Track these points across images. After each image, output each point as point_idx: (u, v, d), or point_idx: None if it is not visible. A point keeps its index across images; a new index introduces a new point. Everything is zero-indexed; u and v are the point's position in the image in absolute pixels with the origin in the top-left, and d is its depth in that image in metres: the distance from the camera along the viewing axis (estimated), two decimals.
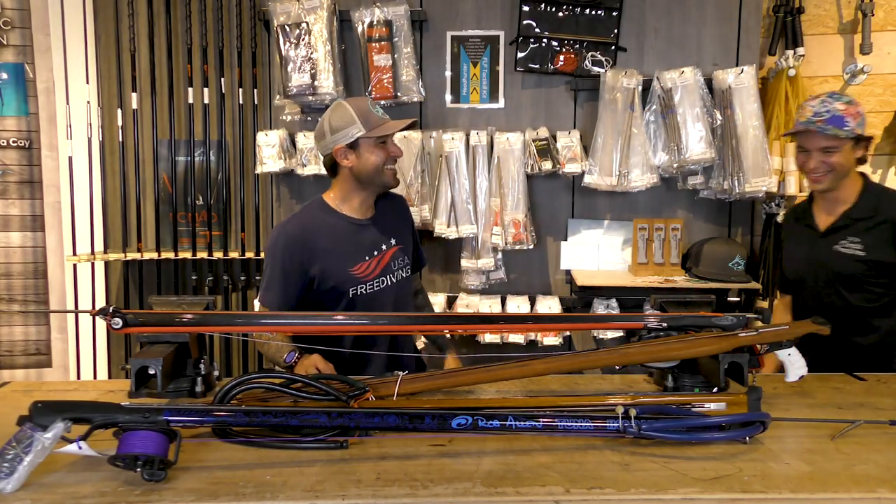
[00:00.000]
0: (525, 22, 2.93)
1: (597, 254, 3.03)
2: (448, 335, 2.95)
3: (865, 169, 2.15)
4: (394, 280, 2.01)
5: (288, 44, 2.82)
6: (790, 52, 2.91)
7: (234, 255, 3.22)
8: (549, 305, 2.92)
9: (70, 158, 3.23)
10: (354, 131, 1.88)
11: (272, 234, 2.00)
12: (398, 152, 1.96)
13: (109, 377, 3.30)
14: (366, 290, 1.95)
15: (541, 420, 1.26)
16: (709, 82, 2.87)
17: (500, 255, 2.98)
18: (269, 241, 2.01)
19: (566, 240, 3.07)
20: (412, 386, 1.52)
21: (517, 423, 1.25)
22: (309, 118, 3.00)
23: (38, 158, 3.28)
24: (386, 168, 1.95)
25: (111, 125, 3.27)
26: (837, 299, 2.01)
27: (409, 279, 2.10)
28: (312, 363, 1.79)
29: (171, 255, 3.18)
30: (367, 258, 1.96)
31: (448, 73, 3.03)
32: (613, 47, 2.94)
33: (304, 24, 2.81)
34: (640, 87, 2.87)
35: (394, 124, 1.94)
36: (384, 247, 2.01)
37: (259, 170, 2.96)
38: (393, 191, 2.06)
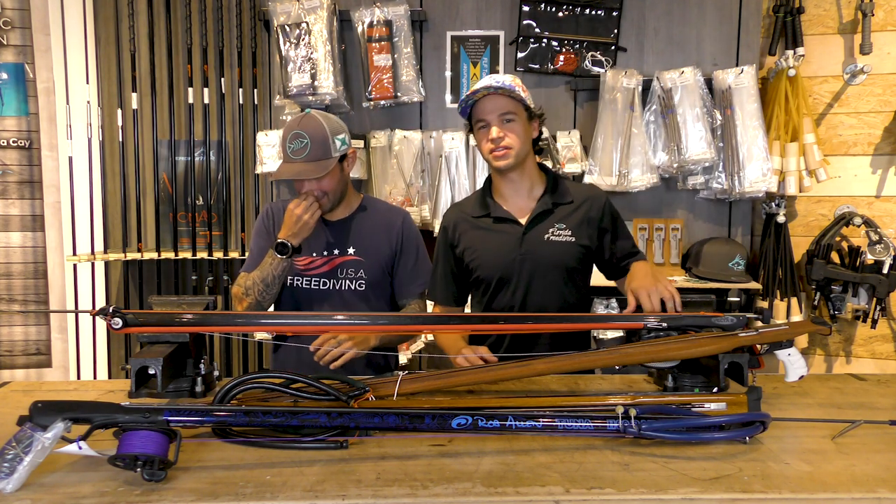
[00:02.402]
0: (525, 22, 2.93)
1: None
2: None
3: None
4: (339, 288, 1.99)
5: (288, 44, 2.82)
6: (790, 52, 2.91)
7: (234, 255, 3.21)
8: None
9: (70, 158, 3.23)
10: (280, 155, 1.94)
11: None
12: (302, 188, 1.93)
13: (109, 377, 3.30)
14: (303, 283, 1.99)
15: (541, 420, 1.26)
16: (709, 82, 2.88)
17: None
18: None
19: None
20: (412, 386, 1.52)
21: (517, 423, 1.25)
22: None
23: (38, 158, 3.28)
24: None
25: (111, 125, 3.27)
26: (549, 296, 1.89)
27: (364, 297, 1.99)
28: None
29: (171, 255, 3.18)
30: (314, 254, 2.00)
31: (448, 73, 3.03)
32: (613, 47, 2.94)
33: (304, 24, 2.81)
34: (640, 87, 2.87)
35: (281, 170, 1.90)
36: (336, 251, 2.01)
37: (259, 170, 2.96)
38: (400, 207, 2.12)
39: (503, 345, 1.93)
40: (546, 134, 2.93)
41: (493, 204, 1.95)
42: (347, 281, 1.99)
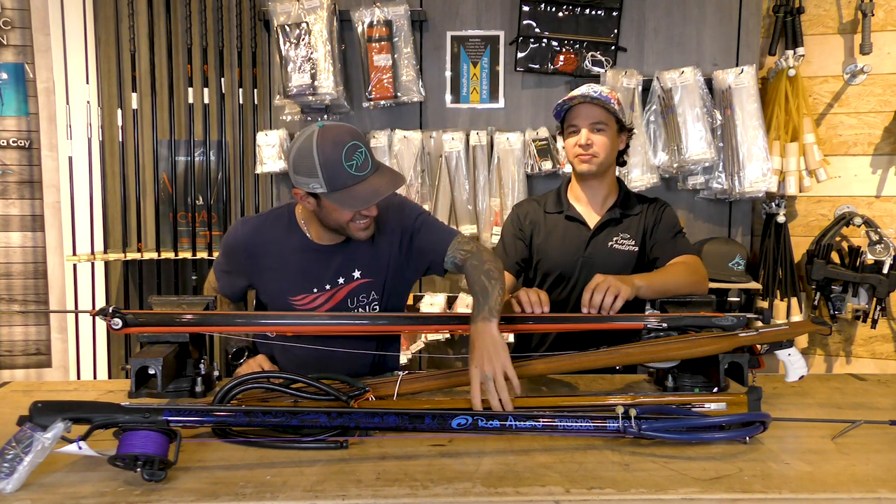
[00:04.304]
0: (525, 22, 2.93)
1: None
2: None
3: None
4: None
5: (288, 44, 2.82)
6: (790, 52, 2.91)
7: None
8: None
9: (70, 158, 3.23)
10: (315, 186, 1.52)
11: (232, 225, 1.81)
12: (371, 212, 1.61)
13: (109, 377, 3.30)
14: None
15: (541, 420, 1.26)
16: (709, 82, 2.88)
17: None
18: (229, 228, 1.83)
19: None
20: (412, 386, 1.52)
21: (517, 423, 1.25)
22: (309, 118, 3.00)
23: (38, 158, 3.27)
24: (352, 224, 1.61)
25: (111, 125, 3.27)
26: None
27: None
28: (257, 363, 1.77)
29: (171, 255, 3.18)
30: (314, 290, 1.72)
31: (448, 73, 3.03)
32: (613, 47, 2.94)
33: (304, 24, 2.81)
34: (640, 87, 2.87)
35: (365, 194, 1.52)
36: (341, 280, 1.72)
37: (259, 170, 2.96)
38: (396, 192, 1.70)
39: (546, 343, 1.99)
40: (546, 134, 2.94)
41: (568, 204, 2.04)
42: (360, 309, 1.75)
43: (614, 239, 1.98)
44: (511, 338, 2.17)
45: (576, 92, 1.95)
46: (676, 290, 1.79)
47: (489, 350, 1.41)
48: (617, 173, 2.08)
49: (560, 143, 2.90)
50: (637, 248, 1.98)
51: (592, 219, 2.02)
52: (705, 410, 1.38)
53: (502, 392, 1.37)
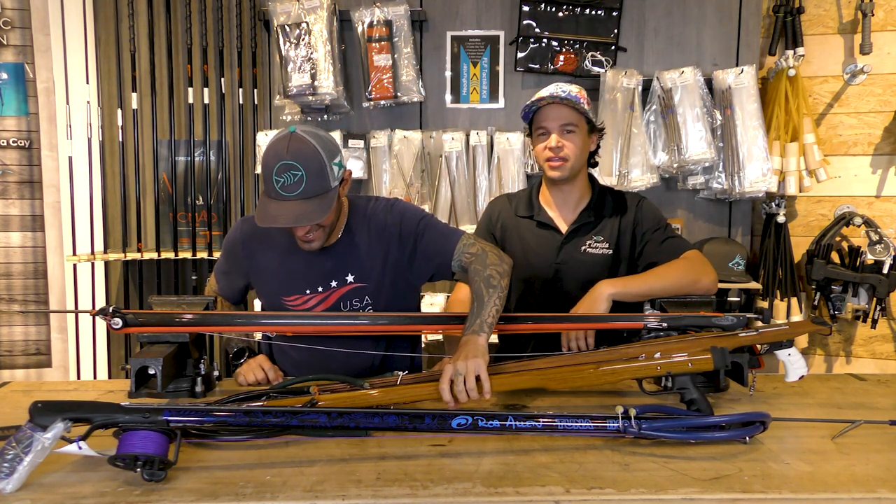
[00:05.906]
0: (525, 22, 2.93)
1: None
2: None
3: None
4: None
5: (288, 44, 2.82)
6: (790, 52, 2.91)
7: None
8: None
9: (70, 158, 3.23)
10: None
11: (235, 223, 1.86)
12: (297, 231, 1.61)
13: (109, 377, 3.30)
14: None
15: (541, 420, 1.26)
16: (709, 82, 2.88)
17: None
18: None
19: None
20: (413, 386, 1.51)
21: (517, 423, 1.25)
22: (309, 118, 3.00)
23: (38, 158, 3.27)
24: (295, 234, 1.64)
25: (111, 125, 3.27)
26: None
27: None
28: (258, 364, 1.76)
29: (171, 255, 3.18)
30: (307, 292, 1.73)
31: (448, 73, 3.03)
32: (613, 47, 2.94)
33: (304, 24, 2.81)
34: (640, 87, 2.87)
35: (268, 214, 1.52)
36: (334, 283, 1.71)
37: (259, 170, 2.96)
38: (386, 198, 1.78)
39: (530, 345, 1.96)
40: None
41: (539, 208, 1.99)
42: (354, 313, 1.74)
43: (587, 243, 1.93)
44: (495, 338, 2.15)
45: (543, 92, 1.87)
46: (662, 293, 1.76)
47: (469, 353, 1.42)
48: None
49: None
50: (611, 251, 1.92)
51: (565, 224, 1.96)
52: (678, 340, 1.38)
53: (471, 391, 1.37)
